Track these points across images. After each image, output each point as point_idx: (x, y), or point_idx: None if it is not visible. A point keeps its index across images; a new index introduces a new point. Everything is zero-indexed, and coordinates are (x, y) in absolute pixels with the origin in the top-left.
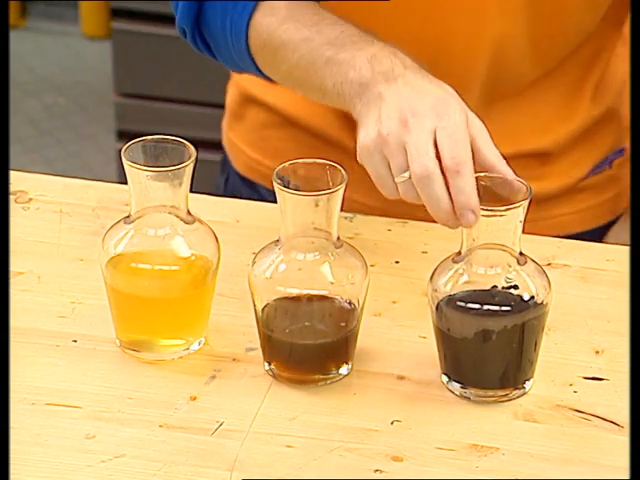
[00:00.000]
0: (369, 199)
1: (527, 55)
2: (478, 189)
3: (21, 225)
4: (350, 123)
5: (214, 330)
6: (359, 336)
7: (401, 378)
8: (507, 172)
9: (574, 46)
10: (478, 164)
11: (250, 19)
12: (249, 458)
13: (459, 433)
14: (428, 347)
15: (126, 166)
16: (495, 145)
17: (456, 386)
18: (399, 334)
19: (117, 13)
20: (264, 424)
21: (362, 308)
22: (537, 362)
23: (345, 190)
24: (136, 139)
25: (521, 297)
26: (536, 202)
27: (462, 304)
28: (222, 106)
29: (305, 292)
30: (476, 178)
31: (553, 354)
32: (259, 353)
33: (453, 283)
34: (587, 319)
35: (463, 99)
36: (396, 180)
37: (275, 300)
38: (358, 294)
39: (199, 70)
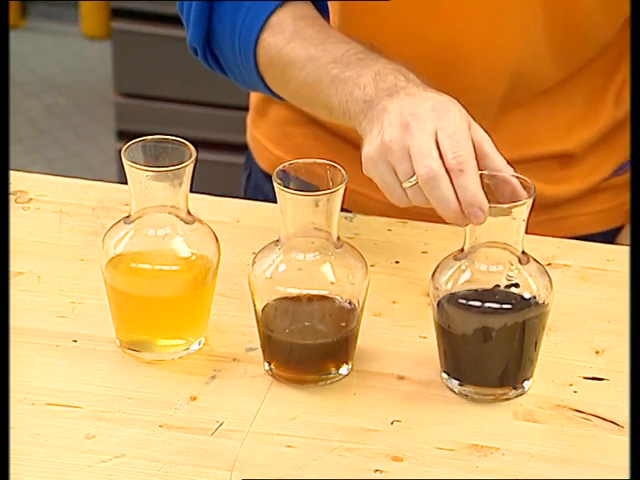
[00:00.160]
0: None
1: (547, 63)
2: (483, 187)
3: (21, 225)
4: None
5: (214, 330)
6: (359, 336)
7: (401, 378)
8: (513, 175)
9: (595, 53)
10: (485, 166)
11: (258, 38)
12: (249, 458)
13: (459, 433)
14: (428, 347)
15: (126, 166)
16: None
17: (455, 384)
18: (399, 334)
19: (117, 13)
20: (264, 424)
21: (362, 308)
22: (537, 362)
23: (345, 190)
24: (136, 139)
25: (522, 296)
26: (556, 204)
27: (463, 301)
28: (222, 106)
29: (305, 292)
30: (480, 176)
31: (553, 354)
32: (259, 353)
33: (455, 280)
34: (587, 319)
35: (483, 106)
36: (404, 185)
37: (275, 300)
38: (358, 294)
39: (199, 70)
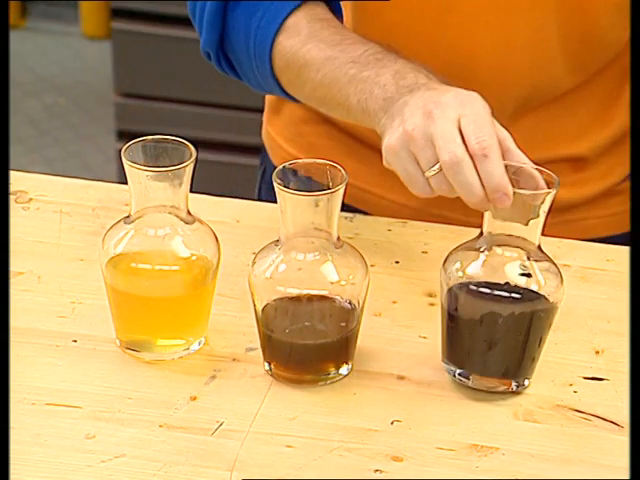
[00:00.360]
0: (406, 199)
1: (562, 69)
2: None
3: (21, 225)
4: None
5: (214, 330)
6: (359, 336)
7: (401, 378)
8: (537, 168)
9: (609, 59)
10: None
11: (273, 41)
12: (249, 458)
13: (459, 433)
14: (428, 347)
15: (126, 166)
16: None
17: (456, 371)
18: (399, 334)
19: (117, 13)
20: (264, 424)
21: (362, 308)
22: (538, 362)
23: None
24: (136, 139)
25: (532, 289)
26: (568, 207)
27: (474, 288)
28: (222, 106)
29: (305, 292)
30: (505, 167)
31: (553, 354)
32: (259, 353)
33: (468, 267)
34: (587, 319)
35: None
36: (426, 174)
37: (275, 300)
38: (358, 294)
39: (199, 70)
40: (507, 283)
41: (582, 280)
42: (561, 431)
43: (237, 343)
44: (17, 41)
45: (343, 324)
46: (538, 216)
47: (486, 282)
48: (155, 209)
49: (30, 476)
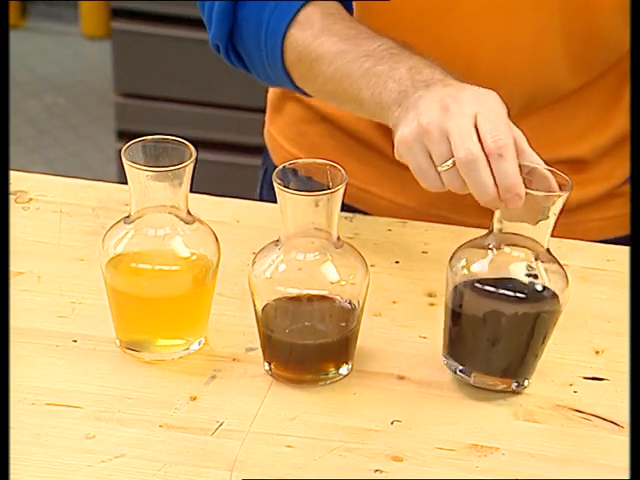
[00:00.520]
0: (405, 199)
1: (564, 71)
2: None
3: (21, 225)
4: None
5: (214, 330)
6: (359, 336)
7: (401, 378)
8: (551, 169)
9: (612, 61)
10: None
11: (285, 34)
12: (249, 458)
13: (459, 433)
14: (428, 347)
15: (126, 166)
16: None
17: (457, 367)
18: (399, 334)
19: (117, 13)
20: (264, 424)
21: (362, 308)
22: (538, 363)
23: (355, 188)
24: (136, 139)
25: (537, 290)
26: (569, 209)
27: (479, 285)
28: (222, 106)
29: (305, 292)
30: (520, 167)
31: (553, 354)
32: (259, 353)
33: (474, 263)
34: (587, 319)
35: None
36: (439, 169)
37: (275, 300)
38: (358, 294)
39: (199, 70)
40: (513, 282)
41: (582, 280)
42: (561, 431)
43: (237, 343)
44: (17, 41)
45: (343, 324)
46: (548, 217)
47: (492, 280)
48: (155, 209)
49: (30, 476)
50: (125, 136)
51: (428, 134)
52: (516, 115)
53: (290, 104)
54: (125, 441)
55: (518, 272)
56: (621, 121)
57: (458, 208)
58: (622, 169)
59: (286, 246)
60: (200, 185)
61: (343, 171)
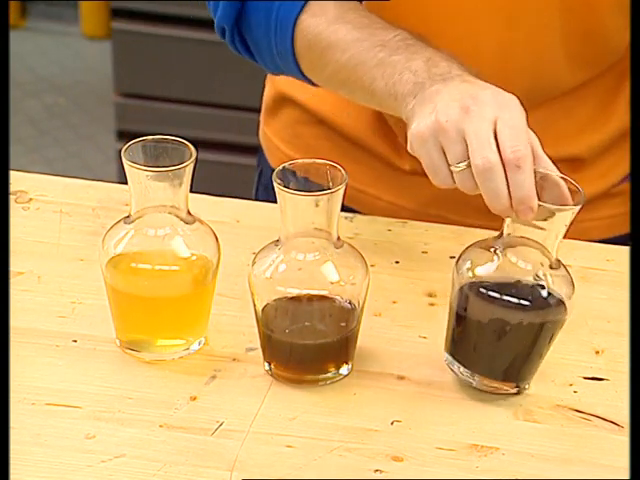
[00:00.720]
0: (404, 200)
1: (564, 69)
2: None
3: (21, 225)
4: (382, 129)
5: (214, 330)
6: (359, 336)
7: (401, 378)
8: (564, 177)
9: (612, 60)
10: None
11: (297, 19)
12: (249, 458)
13: (459, 433)
14: (428, 347)
15: (126, 166)
16: None
17: (458, 367)
18: (399, 334)
19: (117, 13)
20: (264, 424)
21: (362, 308)
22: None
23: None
24: (136, 139)
25: (544, 298)
26: None
27: (484, 290)
28: (222, 106)
29: (305, 292)
30: (534, 172)
31: (553, 354)
32: (259, 353)
33: (481, 267)
34: (587, 319)
35: None
36: (453, 169)
37: (275, 300)
38: (358, 294)
39: (199, 70)
40: (519, 289)
41: (582, 280)
42: (561, 431)
43: (237, 343)
44: (17, 41)
45: (343, 324)
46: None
47: (498, 286)
48: (155, 209)
49: (30, 476)
50: (125, 136)
51: (445, 132)
52: None
53: (286, 107)
54: (125, 441)
55: (525, 279)
56: (618, 119)
57: (458, 208)
58: (618, 168)
59: (286, 246)
60: (200, 185)
61: (343, 171)
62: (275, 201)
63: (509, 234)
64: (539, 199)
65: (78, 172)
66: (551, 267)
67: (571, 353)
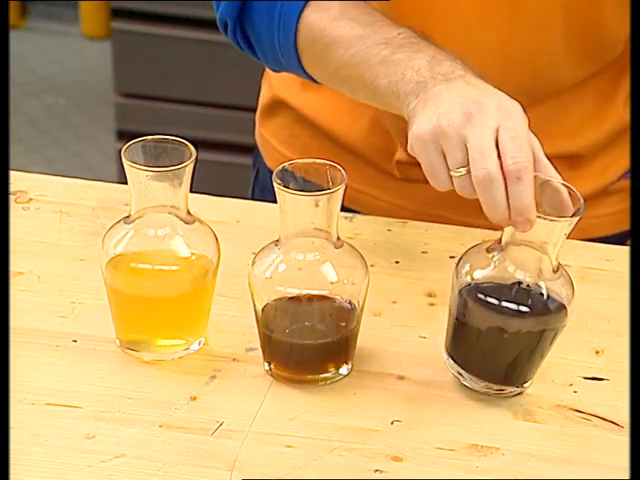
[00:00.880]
0: (403, 200)
1: (565, 65)
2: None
3: (21, 225)
4: (376, 139)
5: (214, 330)
6: (359, 336)
7: (401, 378)
8: (565, 185)
9: (611, 56)
10: (535, 171)
11: (301, 13)
12: (249, 458)
13: (459, 433)
14: (428, 347)
15: (126, 166)
16: None
17: (456, 368)
18: (399, 334)
19: (117, 13)
20: (264, 424)
21: (362, 308)
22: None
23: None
24: (136, 139)
25: (544, 304)
26: None
27: (482, 296)
28: (222, 106)
29: (305, 292)
30: (534, 177)
31: (553, 354)
32: (259, 353)
33: (480, 272)
34: (587, 319)
35: None
36: (452, 174)
37: (275, 300)
38: (358, 294)
39: (199, 70)
40: (518, 295)
41: (582, 280)
42: (561, 431)
43: (237, 343)
44: (17, 41)
45: (343, 324)
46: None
47: (497, 290)
48: (155, 209)
49: (30, 476)
50: (125, 136)
51: (446, 136)
52: None
53: (281, 110)
54: (125, 441)
55: (525, 284)
56: (616, 116)
57: (458, 208)
58: (616, 165)
59: (286, 246)
60: (200, 185)
61: (343, 171)
62: (271, 201)
63: (507, 242)
64: (539, 205)
65: (78, 172)
66: (549, 276)
67: (571, 353)
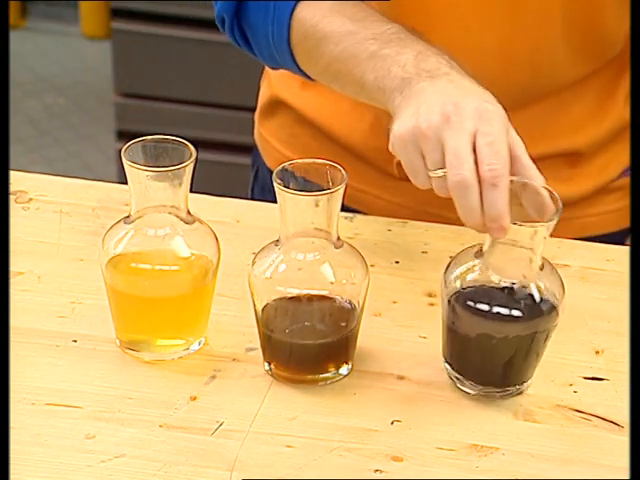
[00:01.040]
0: (403, 199)
1: (565, 63)
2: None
3: (21, 225)
4: (376, 140)
5: (214, 330)
6: (359, 336)
7: (401, 378)
8: (543, 186)
9: (611, 54)
10: (515, 171)
11: (294, 8)
12: (249, 458)
13: (459, 433)
14: (428, 347)
15: (126, 166)
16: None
17: (454, 373)
18: (399, 334)
19: (117, 13)
20: (264, 424)
21: (362, 308)
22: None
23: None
24: (136, 139)
25: (533, 306)
26: (566, 204)
27: (471, 303)
28: (222, 106)
29: (305, 292)
30: (510, 181)
31: (553, 354)
32: (259, 353)
33: (466, 278)
34: (587, 319)
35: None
36: (430, 174)
37: (275, 300)
38: (358, 294)
39: (199, 70)
40: (507, 297)
41: (582, 280)
42: (561, 431)
43: (237, 343)
44: (17, 41)
45: (343, 324)
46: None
47: (485, 294)
48: (155, 209)
49: (30, 476)
50: (125, 136)
51: (425, 138)
52: (512, 107)
53: (281, 110)
54: (125, 441)
55: (513, 286)
56: (616, 114)
57: None
58: (616, 163)
59: (286, 246)
60: (200, 185)
61: (343, 171)
62: (271, 201)
63: (490, 249)
64: (519, 205)
65: (78, 172)
66: (536, 278)
67: (571, 353)
